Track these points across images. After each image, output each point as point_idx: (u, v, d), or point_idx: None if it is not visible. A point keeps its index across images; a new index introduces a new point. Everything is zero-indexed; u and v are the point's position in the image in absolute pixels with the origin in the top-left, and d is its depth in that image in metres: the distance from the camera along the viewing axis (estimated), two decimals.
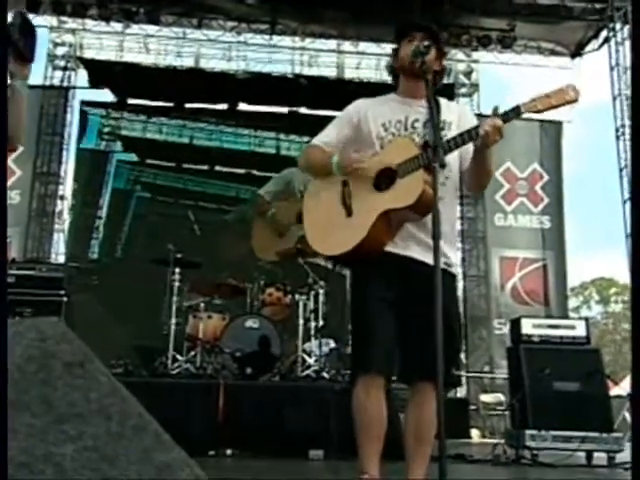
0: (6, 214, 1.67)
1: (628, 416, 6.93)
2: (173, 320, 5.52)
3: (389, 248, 2.40)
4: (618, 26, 9.02)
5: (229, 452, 4.37)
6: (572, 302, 25.33)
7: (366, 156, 2.40)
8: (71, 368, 0.98)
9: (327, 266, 5.33)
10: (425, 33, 2.48)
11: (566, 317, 8.81)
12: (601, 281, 32.42)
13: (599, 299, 32.76)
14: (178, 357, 5.39)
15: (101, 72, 9.79)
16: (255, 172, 9.94)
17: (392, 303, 2.36)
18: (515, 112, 2.28)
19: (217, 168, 10.14)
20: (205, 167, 10.13)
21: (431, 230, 2.14)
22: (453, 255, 2.52)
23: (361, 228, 2.34)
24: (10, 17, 1.96)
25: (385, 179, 2.37)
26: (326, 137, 2.57)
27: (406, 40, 2.50)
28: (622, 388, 7.05)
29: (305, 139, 9.69)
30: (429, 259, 2.18)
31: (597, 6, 8.96)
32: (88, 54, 10.11)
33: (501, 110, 2.29)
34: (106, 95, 10.06)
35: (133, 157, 10.17)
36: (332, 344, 5.84)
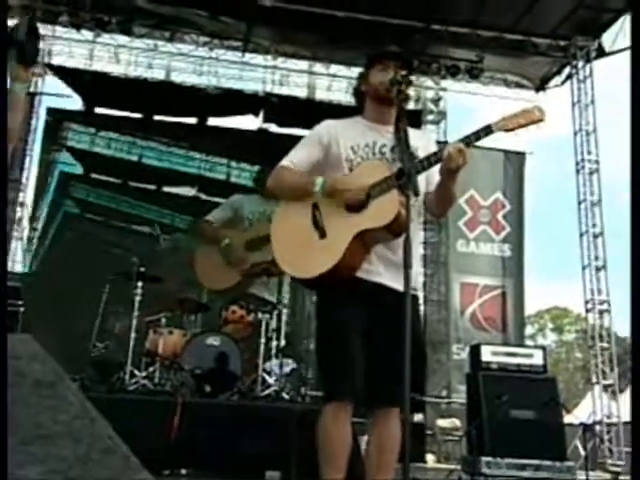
0: (5, 222, 1.62)
1: (580, 445, 7.04)
2: (132, 334, 5.42)
3: (359, 274, 2.40)
4: (580, 64, 9.32)
5: (184, 472, 4.28)
6: (528, 330, 25.75)
7: (351, 181, 2.39)
8: (40, 388, 0.96)
9: (272, 301, 5.32)
10: (399, 61, 2.50)
11: (523, 345, 8.96)
12: (556, 310, 33.06)
13: (554, 327, 33.39)
14: (136, 373, 5.28)
15: (69, 79, 9.65)
16: (203, 196, 9.72)
17: (361, 329, 2.35)
18: (486, 130, 2.32)
19: (165, 189, 9.86)
20: (152, 187, 9.82)
21: (400, 253, 2.13)
22: (419, 278, 2.56)
23: (337, 248, 2.33)
24: (17, 20, 1.92)
25: (357, 200, 2.38)
26: (296, 158, 2.54)
27: (379, 67, 2.50)
28: (574, 416, 7.17)
29: (256, 168, 9.57)
30: (398, 285, 2.19)
31: (561, 43, 9.24)
32: (57, 61, 9.95)
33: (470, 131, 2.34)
34: (74, 103, 9.93)
35: (77, 169, 9.84)
36: (292, 364, 5.80)
